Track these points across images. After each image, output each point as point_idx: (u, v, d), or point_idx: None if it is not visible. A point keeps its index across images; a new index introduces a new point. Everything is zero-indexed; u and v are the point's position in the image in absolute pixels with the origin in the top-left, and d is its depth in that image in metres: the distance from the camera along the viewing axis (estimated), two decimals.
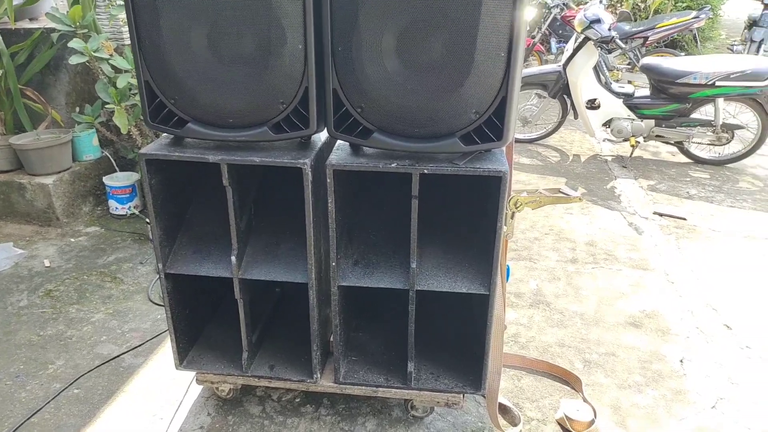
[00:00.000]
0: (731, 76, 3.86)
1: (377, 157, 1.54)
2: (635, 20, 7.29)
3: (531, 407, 1.98)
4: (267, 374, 1.82)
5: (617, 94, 4.24)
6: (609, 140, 4.47)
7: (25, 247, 2.97)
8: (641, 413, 1.95)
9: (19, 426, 1.84)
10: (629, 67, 6.38)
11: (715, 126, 4.07)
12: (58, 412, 1.91)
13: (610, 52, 5.78)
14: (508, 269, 1.91)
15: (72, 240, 3.07)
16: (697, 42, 7.40)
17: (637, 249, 3.08)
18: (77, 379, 2.04)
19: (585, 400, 1.98)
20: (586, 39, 4.10)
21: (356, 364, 1.86)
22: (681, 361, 2.22)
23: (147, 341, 2.25)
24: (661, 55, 5.85)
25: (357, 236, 1.76)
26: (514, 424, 1.88)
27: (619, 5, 7.86)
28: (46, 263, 2.82)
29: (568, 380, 2.10)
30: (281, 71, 1.45)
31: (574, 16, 4.72)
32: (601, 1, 4.45)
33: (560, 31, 6.98)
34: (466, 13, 1.31)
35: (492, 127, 1.45)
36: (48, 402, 1.94)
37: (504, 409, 1.92)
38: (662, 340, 2.34)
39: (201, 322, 1.98)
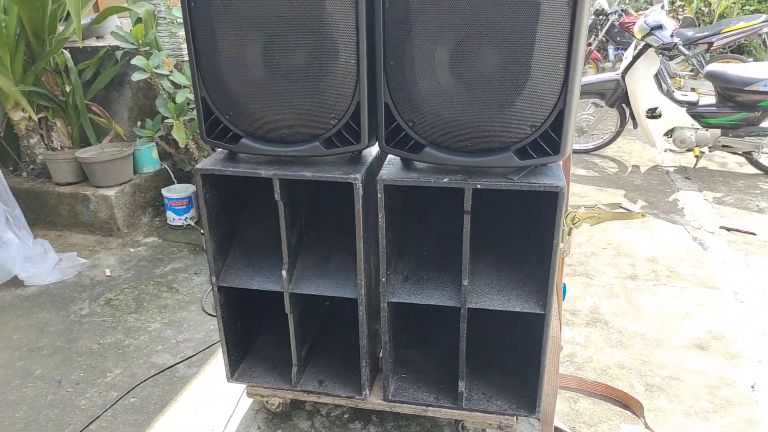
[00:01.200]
0: None
1: (429, 171, 1.51)
2: (699, 25, 7.01)
3: None
4: (316, 389, 1.81)
5: (680, 103, 4.06)
6: (671, 150, 4.29)
7: (88, 257, 3.09)
8: None
9: None
10: (692, 74, 6.12)
11: None
12: (114, 420, 1.96)
13: (672, 58, 5.56)
14: (564, 287, 1.83)
15: (132, 250, 3.17)
16: (766, 47, 7.03)
17: (703, 266, 2.92)
18: (134, 388, 2.10)
19: (647, 426, 1.88)
20: (647, 46, 3.95)
21: (406, 381, 1.83)
22: (752, 387, 2.07)
23: (200, 351, 2.29)
24: (727, 62, 5.58)
25: (407, 252, 1.73)
26: None
27: (681, 10, 7.58)
28: (107, 272, 2.92)
29: (629, 404, 2.00)
30: (333, 86, 1.45)
31: (633, 23, 4.57)
32: (662, 7, 4.29)
33: (618, 38, 6.78)
34: (522, 25, 1.27)
35: (548, 140, 1.39)
36: (106, 410, 2.00)
37: None
38: (731, 364, 2.19)
39: (252, 335, 1.99)
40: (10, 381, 2.15)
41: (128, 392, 2.07)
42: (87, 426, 1.93)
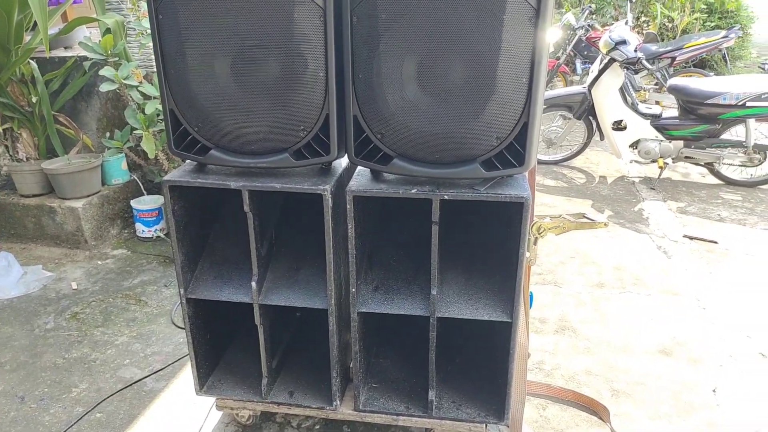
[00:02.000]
0: (763, 96, 3.78)
1: (397, 183, 1.53)
2: (662, 40, 7.22)
3: None
4: (286, 401, 1.80)
5: (644, 115, 4.18)
6: (636, 161, 4.40)
7: (54, 270, 3.03)
8: None
9: None
10: (656, 87, 6.30)
11: (746, 147, 3.98)
12: None
13: (636, 72, 5.71)
14: (531, 296, 1.87)
15: (99, 262, 3.12)
16: (726, 62, 7.28)
17: (667, 274, 3.00)
18: (100, 403, 2.06)
19: (613, 431, 1.92)
20: (612, 60, 4.07)
21: (376, 391, 1.83)
22: (714, 390, 2.13)
23: (169, 365, 2.26)
24: (689, 75, 5.77)
25: (377, 262, 1.75)
26: None
27: (645, 26, 7.81)
28: (74, 286, 2.87)
29: (596, 410, 2.04)
30: (303, 99, 1.46)
31: (599, 37, 4.70)
32: (626, 22, 4.42)
33: (585, 53, 6.94)
34: (486, 40, 1.31)
35: (514, 152, 1.43)
36: (70, 426, 1.96)
37: None
38: (694, 368, 2.26)
39: (221, 347, 1.98)
40: None
41: (94, 407, 2.03)
42: None
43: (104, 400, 2.07)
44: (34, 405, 2.06)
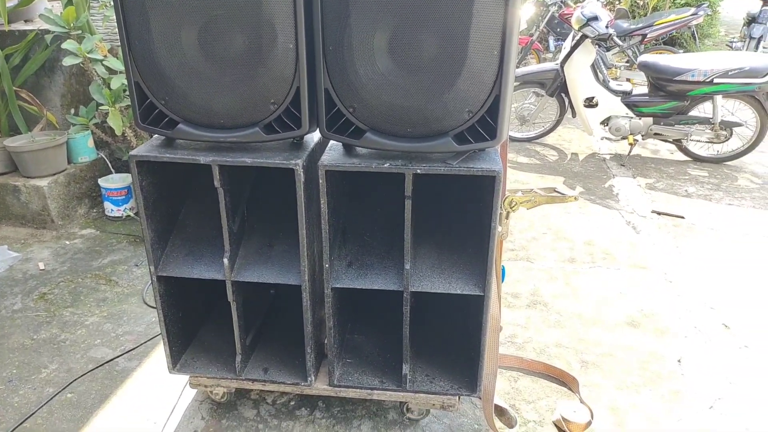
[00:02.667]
0: (729, 73, 3.85)
1: (370, 157, 1.52)
2: (633, 17, 7.27)
3: (528, 409, 1.96)
4: (261, 377, 1.80)
5: (615, 92, 4.22)
6: (607, 138, 4.46)
7: (19, 250, 2.95)
8: (639, 414, 1.94)
9: (12, 430, 1.83)
10: (627, 64, 6.36)
11: (713, 123, 4.06)
12: (51, 416, 1.89)
13: (608, 50, 5.75)
14: (503, 270, 1.89)
15: (67, 242, 3.05)
16: (695, 39, 7.38)
17: (636, 248, 3.06)
18: (70, 384, 2.03)
19: (582, 402, 1.96)
20: (584, 37, 4.08)
21: (351, 366, 1.84)
22: (679, 361, 2.20)
23: (141, 344, 2.23)
24: (660, 53, 5.83)
25: (351, 237, 1.74)
26: (511, 426, 1.86)
27: (617, 2, 7.85)
28: (41, 266, 2.80)
29: (566, 381, 2.09)
30: (272, 71, 1.43)
31: (572, 14, 4.70)
32: None
33: (558, 29, 6.96)
34: (457, 12, 1.30)
35: (485, 126, 1.43)
36: (41, 407, 1.93)
37: (500, 411, 1.91)
38: (660, 340, 2.32)
39: (194, 325, 1.96)
40: None
41: (65, 388, 2.01)
42: (21, 423, 1.85)
43: (75, 380, 2.04)
44: (2, 386, 2.02)
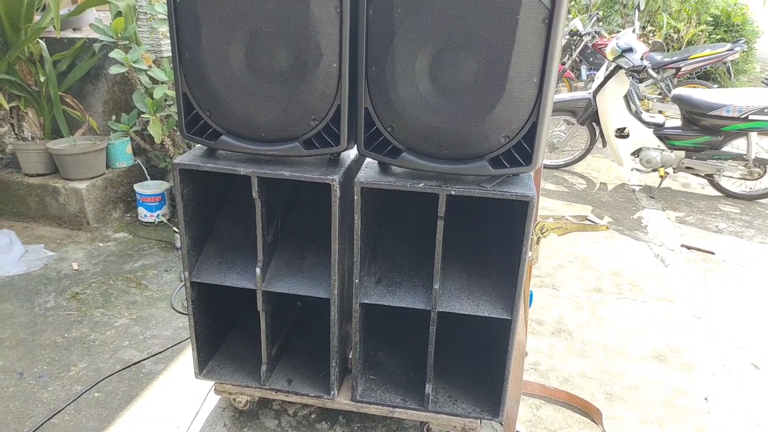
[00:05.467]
0: (765, 110, 3.81)
1: (405, 176, 1.55)
2: (668, 50, 7.25)
3: None
4: (284, 388, 1.82)
5: (647, 124, 4.21)
6: (637, 170, 4.43)
7: (55, 250, 3.04)
8: None
9: (40, 426, 1.87)
10: (660, 97, 6.33)
11: (747, 160, 4.01)
12: (78, 414, 1.94)
13: (641, 81, 5.75)
14: (531, 295, 1.89)
15: (101, 245, 3.13)
16: (730, 75, 7.31)
17: (663, 281, 3.03)
18: (98, 383, 2.07)
19: None
20: (618, 67, 4.09)
21: (374, 383, 1.85)
22: (706, 398, 2.16)
23: (168, 348, 2.27)
24: (694, 87, 5.80)
25: (381, 254, 1.77)
26: None
27: (652, 35, 7.83)
28: (75, 266, 2.88)
29: (589, 412, 2.06)
30: (315, 88, 1.48)
31: (606, 44, 4.72)
32: (633, 31, 4.44)
33: (591, 59, 6.97)
34: (500, 38, 1.33)
35: (521, 151, 1.45)
36: (69, 404, 1.97)
37: None
38: (687, 376, 2.28)
39: (222, 333, 1.99)
40: None
41: (92, 386, 2.05)
42: (49, 419, 1.90)
43: (103, 379, 2.09)
44: (33, 381, 2.07)
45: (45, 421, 1.89)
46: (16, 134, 3.43)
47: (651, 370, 2.30)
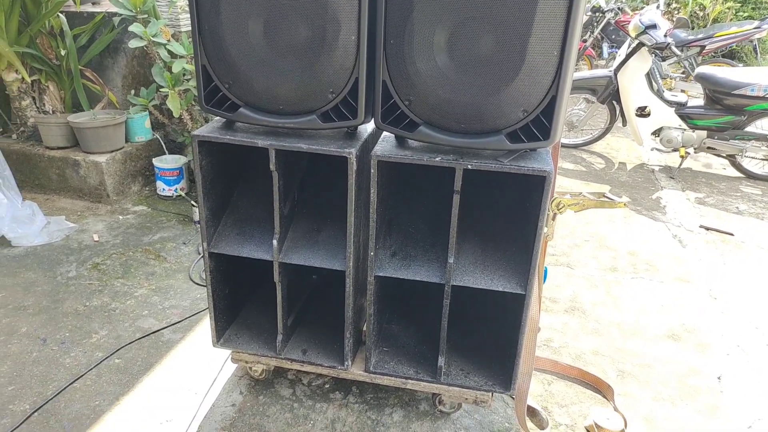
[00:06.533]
0: None
1: (422, 150, 1.55)
2: (693, 28, 7.08)
3: (560, 412, 1.96)
4: (299, 358, 1.86)
5: (669, 103, 4.13)
6: (657, 150, 4.37)
7: (76, 221, 3.09)
8: (674, 426, 1.91)
9: (63, 389, 1.93)
10: (683, 75, 6.20)
11: None
12: (99, 379, 1.99)
13: (664, 59, 5.63)
14: (545, 271, 1.89)
15: (120, 217, 3.18)
16: (756, 53, 7.12)
17: (681, 262, 3.01)
18: (118, 350, 2.13)
19: (616, 410, 1.95)
20: (640, 45, 4.01)
21: (387, 354, 1.88)
22: (719, 378, 2.16)
23: (186, 318, 2.32)
24: (718, 65, 5.67)
25: (396, 228, 1.78)
26: (542, 428, 1.87)
27: (676, 12, 7.65)
28: (95, 238, 2.94)
29: (600, 388, 2.08)
30: (333, 61, 1.48)
31: (629, 21, 4.63)
32: (658, 7, 4.35)
33: (613, 36, 6.84)
34: (519, 11, 1.31)
35: (539, 126, 1.44)
36: (90, 369, 2.03)
37: (532, 412, 1.91)
38: (701, 355, 2.28)
39: (239, 303, 2.03)
40: None
41: (113, 353, 2.11)
42: (71, 383, 1.96)
43: (123, 347, 2.14)
44: (56, 347, 2.13)
45: (68, 385, 1.95)
46: (37, 107, 3.48)
47: (665, 349, 2.30)
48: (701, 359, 2.25)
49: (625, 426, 1.86)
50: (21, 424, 1.79)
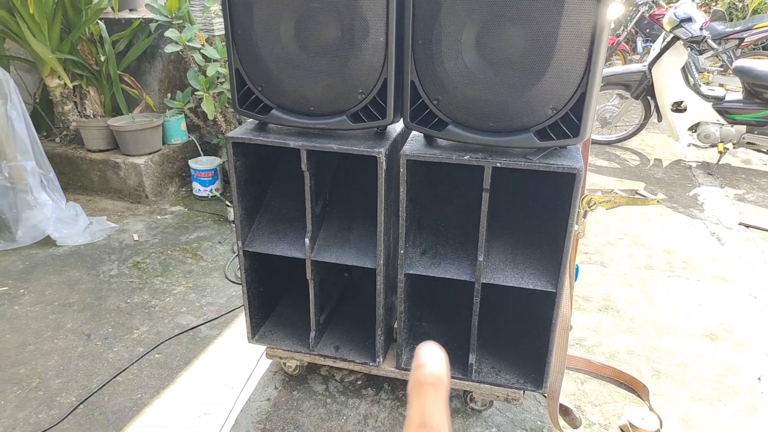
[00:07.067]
0: None
1: (450, 149, 1.56)
2: (731, 20, 6.88)
3: (593, 411, 1.95)
4: (332, 354, 1.89)
5: (706, 97, 4.03)
6: (694, 145, 4.27)
7: (117, 221, 3.20)
8: (711, 427, 1.88)
9: (107, 383, 2.01)
10: (721, 69, 6.04)
11: None
12: (140, 373, 2.07)
13: (700, 53, 5.48)
14: (577, 269, 1.88)
15: (158, 217, 3.28)
16: None
17: (719, 260, 2.94)
18: (158, 345, 2.20)
19: (651, 409, 1.93)
20: (675, 38, 3.93)
21: None
22: (759, 378, 2.11)
23: (222, 315, 2.38)
24: (757, 58, 5.50)
25: (426, 226, 1.79)
26: (575, 427, 1.86)
27: (713, 4, 7.45)
28: (135, 237, 3.03)
29: (635, 388, 2.05)
30: (362, 62, 1.50)
31: (663, 15, 4.53)
32: None
33: (647, 30, 6.70)
34: (548, 8, 1.31)
35: (569, 123, 1.44)
36: (132, 363, 2.11)
37: (565, 411, 1.90)
38: (740, 354, 2.23)
39: (273, 301, 2.08)
40: (42, 332, 2.27)
41: (154, 348, 2.18)
42: (115, 377, 2.04)
43: (163, 342, 2.21)
44: (99, 342, 2.22)
45: (111, 379, 2.03)
46: (79, 112, 3.61)
47: (702, 349, 2.26)
48: (740, 359, 2.20)
49: (661, 426, 1.84)
50: (68, 415, 1.87)
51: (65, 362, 2.11)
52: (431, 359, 0.33)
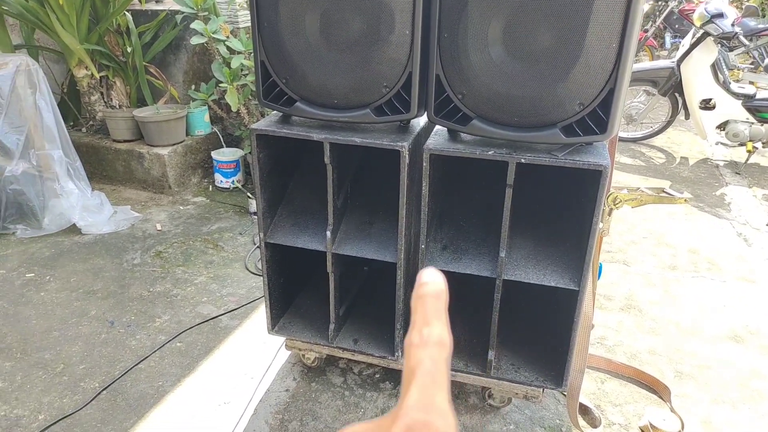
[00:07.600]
0: None
1: (474, 144, 1.55)
2: (764, 16, 6.71)
3: (613, 411, 1.93)
4: (351, 347, 1.89)
5: (736, 95, 3.95)
6: (723, 144, 4.19)
7: (140, 211, 3.24)
8: (734, 431, 1.85)
9: (129, 370, 2.04)
10: (752, 66, 5.89)
11: None
12: (162, 361, 2.10)
13: (731, 49, 5.36)
14: (600, 267, 1.86)
15: (181, 207, 3.31)
16: None
17: (745, 261, 2.88)
18: (180, 334, 2.23)
19: (673, 411, 1.90)
20: (706, 34, 3.84)
21: None
22: None
23: (242, 306, 2.40)
24: None
25: (447, 221, 1.78)
26: (594, 426, 1.84)
27: None
28: (158, 227, 3.07)
29: (656, 389, 2.02)
30: (387, 56, 1.50)
31: (693, 10, 4.43)
32: None
33: (676, 26, 6.57)
34: (578, 2, 1.29)
35: (596, 119, 1.41)
36: (154, 351, 2.14)
37: (584, 410, 1.88)
38: (765, 358, 2.18)
39: (293, 293, 2.09)
40: (67, 319, 2.31)
41: (175, 337, 2.21)
42: (137, 364, 2.07)
43: (184, 331, 2.24)
44: (122, 330, 2.26)
45: (133, 366, 2.06)
46: (105, 102, 3.66)
47: (726, 351, 2.22)
48: (765, 362, 2.16)
49: (682, 428, 1.81)
50: (91, 401, 1.91)
51: (89, 348, 2.15)
52: (432, 278, 0.37)
